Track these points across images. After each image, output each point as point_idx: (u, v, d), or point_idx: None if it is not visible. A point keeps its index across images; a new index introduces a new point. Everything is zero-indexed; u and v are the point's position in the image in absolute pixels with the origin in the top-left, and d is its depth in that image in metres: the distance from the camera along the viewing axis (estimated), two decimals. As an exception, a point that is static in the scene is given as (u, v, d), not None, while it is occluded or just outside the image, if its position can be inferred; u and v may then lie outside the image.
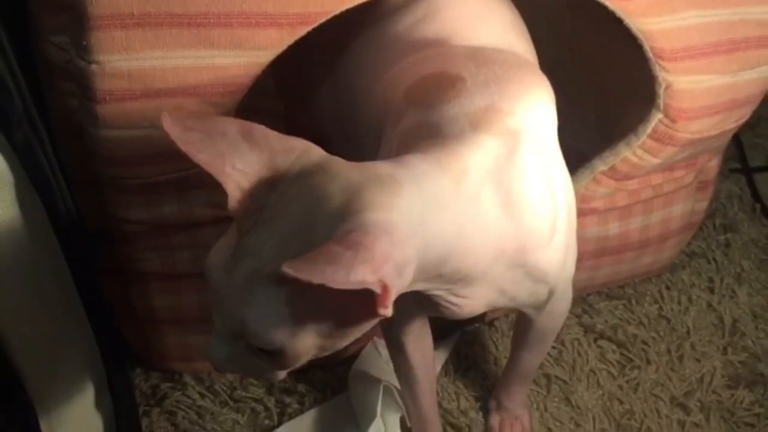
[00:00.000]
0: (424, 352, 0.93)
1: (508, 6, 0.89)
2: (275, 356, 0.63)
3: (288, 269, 0.53)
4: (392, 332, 0.90)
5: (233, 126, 0.63)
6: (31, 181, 0.72)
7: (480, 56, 0.77)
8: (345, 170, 0.63)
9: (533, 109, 0.73)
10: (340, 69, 0.91)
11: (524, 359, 0.97)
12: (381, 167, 0.64)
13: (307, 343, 0.62)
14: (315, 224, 0.60)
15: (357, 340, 1.11)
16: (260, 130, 0.63)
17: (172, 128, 0.61)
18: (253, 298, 0.60)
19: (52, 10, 0.78)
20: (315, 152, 0.64)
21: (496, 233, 0.68)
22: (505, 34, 0.84)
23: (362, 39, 0.89)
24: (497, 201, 0.67)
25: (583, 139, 1.02)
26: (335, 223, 0.59)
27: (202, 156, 0.61)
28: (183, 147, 0.61)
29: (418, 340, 0.91)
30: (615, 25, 0.89)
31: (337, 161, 0.64)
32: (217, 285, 0.63)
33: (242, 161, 0.62)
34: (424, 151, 0.67)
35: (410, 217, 0.61)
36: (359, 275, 0.55)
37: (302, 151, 0.64)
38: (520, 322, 0.93)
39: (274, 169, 0.63)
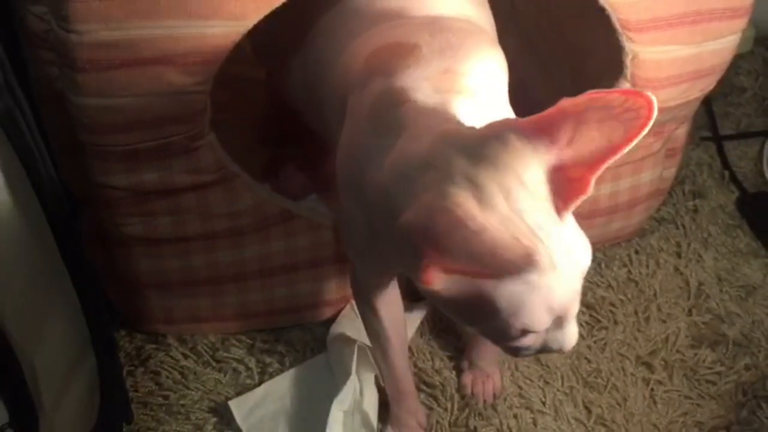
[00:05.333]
0: (394, 313, 0.96)
1: None
2: None
3: None
4: (364, 295, 0.93)
5: None
6: (14, 149, 0.75)
7: (435, 25, 0.81)
8: None
9: (486, 71, 0.76)
10: (308, 46, 0.94)
11: None
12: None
13: None
14: None
15: (335, 302, 1.15)
16: None
17: None
18: None
19: (31, -20, 0.80)
20: None
21: None
22: (461, 4, 0.88)
23: (328, 15, 0.91)
24: None
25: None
26: None
27: None
28: None
29: (389, 301, 0.94)
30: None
31: None
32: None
33: None
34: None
35: None
36: None
37: None
38: None
39: None
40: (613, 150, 0.60)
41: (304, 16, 0.93)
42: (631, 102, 0.59)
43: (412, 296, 1.13)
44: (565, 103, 0.59)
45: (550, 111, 0.59)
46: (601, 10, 0.92)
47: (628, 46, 0.94)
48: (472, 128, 0.66)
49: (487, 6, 0.92)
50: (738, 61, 1.53)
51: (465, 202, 0.59)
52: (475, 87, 0.74)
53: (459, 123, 0.69)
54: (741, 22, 0.98)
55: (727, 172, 1.38)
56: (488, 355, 1.07)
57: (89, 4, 0.77)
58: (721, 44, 0.99)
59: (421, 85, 0.73)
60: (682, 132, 1.16)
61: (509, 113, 0.77)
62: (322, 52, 0.91)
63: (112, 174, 0.91)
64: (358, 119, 0.76)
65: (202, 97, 0.87)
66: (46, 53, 0.83)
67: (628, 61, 0.96)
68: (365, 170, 0.73)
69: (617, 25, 0.93)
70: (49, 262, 0.84)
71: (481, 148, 0.61)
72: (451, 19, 0.84)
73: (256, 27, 0.83)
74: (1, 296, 0.74)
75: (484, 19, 0.90)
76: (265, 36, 0.91)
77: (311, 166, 1.18)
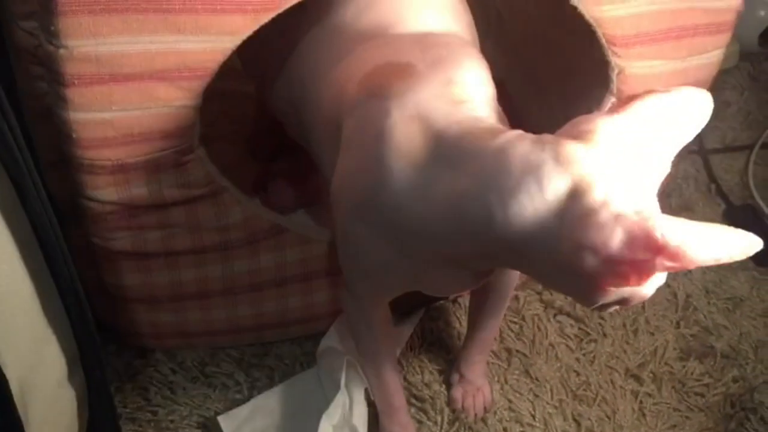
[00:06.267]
0: (387, 328, 0.97)
1: None
2: None
3: None
4: (361, 311, 0.93)
5: None
6: (2, 164, 0.75)
7: (424, 42, 0.82)
8: None
9: (477, 82, 0.78)
10: (293, 63, 0.94)
11: (486, 325, 1.02)
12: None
13: None
14: None
15: (325, 316, 1.15)
16: None
17: None
18: None
19: (21, -4, 0.80)
20: None
21: None
22: (442, 19, 0.89)
23: (311, 34, 0.92)
24: None
25: (547, 124, 1.06)
26: None
27: None
28: None
29: (383, 316, 0.95)
30: (573, 11, 0.92)
31: None
32: None
33: None
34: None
35: None
36: None
37: None
38: (479, 289, 0.98)
39: None
40: None
41: (288, 33, 0.94)
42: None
43: (402, 310, 1.14)
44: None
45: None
46: (588, 26, 0.93)
47: (614, 61, 0.95)
48: (558, 136, 0.67)
49: (467, 18, 0.94)
50: (723, 76, 1.54)
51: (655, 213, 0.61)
52: (474, 94, 0.76)
53: (522, 133, 0.69)
54: (724, 37, 0.99)
55: (713, 185, 1.40)
56: (478, 367, 1.08)
57: (79, 19, 0.77)
58: (706, 59, 1.00)
59: (437, 105, 0.73)
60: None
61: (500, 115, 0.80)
62: (307, 71, 0.92)
63: (101, 189, 0.91)
64: (367, 146, 0.75)
65: (192, 111, 0.87)
66: (36, 68, 0.83)
67: (614, 75, 0.97)
68: (395, 197, 0.72)
69: (603, 41, 0.94)
70: (37, 277, 0.83)
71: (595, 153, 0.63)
72: (436, 34, 0.85)
73: (245, 42, 0.84)
74: (-11, 312, 0.74)
75: (465, 30, 0.91)
76: (253, 51, 0.91)
77: (301, 180, 1.18)
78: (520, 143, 0.67)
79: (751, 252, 0.61)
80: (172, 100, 0.85)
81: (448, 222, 0.70)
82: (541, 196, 0.63)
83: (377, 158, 0.73)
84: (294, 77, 0.94)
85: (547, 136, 0.67)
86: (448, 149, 0.70)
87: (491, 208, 0.66)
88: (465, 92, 0.75)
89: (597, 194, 0.62)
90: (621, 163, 0.63)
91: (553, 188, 0.63)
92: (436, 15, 0.89)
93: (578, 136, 0.65)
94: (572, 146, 0.64)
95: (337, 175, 0.81)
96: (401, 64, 0.77)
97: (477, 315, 1.03)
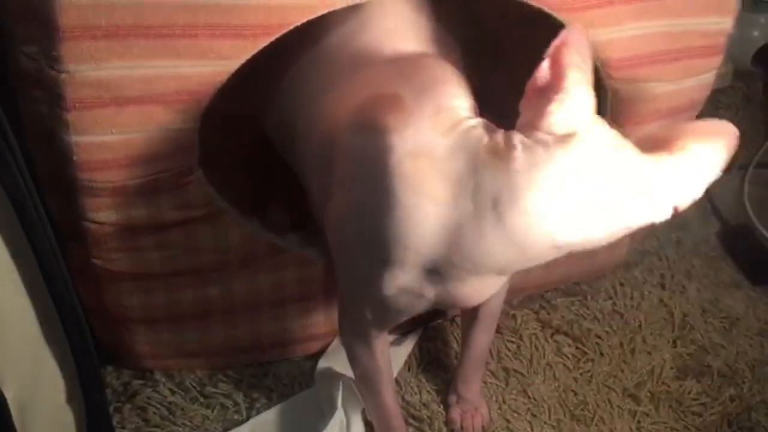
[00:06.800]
0: (386, 349, 0.97)
1: (412, 6, 0.96)
2: None
3: None
4: (363, 335, 0.92)
5: None
6: (3, 187, 0.75)
7: (404, 69, 0.84)
8: None
9: (459, 100, 0.80)
10: (283, 91, 0.96)
11: (479, 341, 1.04)
12: None
13: None
14: None
15: (323, 336, 1.15)
16: None
17: None
18: None
19: (24, 21, 0.81)
20: None
21: None
22: (417, 37, 0.92)
23: (302, 60, 0.94)
24: None
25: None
26: None
27: None
28: None
29: (384, 341, 0.95)
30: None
31: None
32: None
33: None
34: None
35: None
36: None
37: None
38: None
39: None
40: None
41: (279, 60, 0.95)
42: None
43: (400, 330, 1.14)
44: None
45: None
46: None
47: (609, 83, 0.96)
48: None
49: (438, 34, 0.96)
50: (717, 96, 1.56)
51: None
52: (461, 112, 0.77)
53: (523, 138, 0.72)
54: (716, 60, 1.01)
55: (709, 205, 1.41)
56: (474, 386, 1.08)
57: (80, 44, 0.78)
58: (698, 81, 1.02)
59: (431, 137, 0.74)
60: (663, 166, 1.18)
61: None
62: (296, 99, 0.93)
63: (101, 210, 0.91)
64: (371, 183, 0.76)
65: (191, 133, 0.88)
66: (37, 92, 0.84)
67: (608, 96, 0.98)
68: (423, 232, 0.73)
69: (598, 63, 0.95)
70: (37, 298, 0.84)
71: None
72: (413, 57, 0.87)
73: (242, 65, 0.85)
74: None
75: (441, 48, 0.94)
76: (248, 74, 0.93)
77: (298, 202, 1.19)
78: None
79: None
80: (171, 123, 0.86)
81: (506, 245, 0.71)
82: None
83: (390, 195, 0.74)
84: (285, 103, 0.96)
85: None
86: (466, 179, 0.71)
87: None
88: (454, 115, 0.76)
89: None
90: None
91: None
92: (411, 37, 0.92)
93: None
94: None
95: (336, 212, 0.82)
96: (388, 97, 0.78)
97: (469, 332, 1.04)
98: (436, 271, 0.76)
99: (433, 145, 0.74)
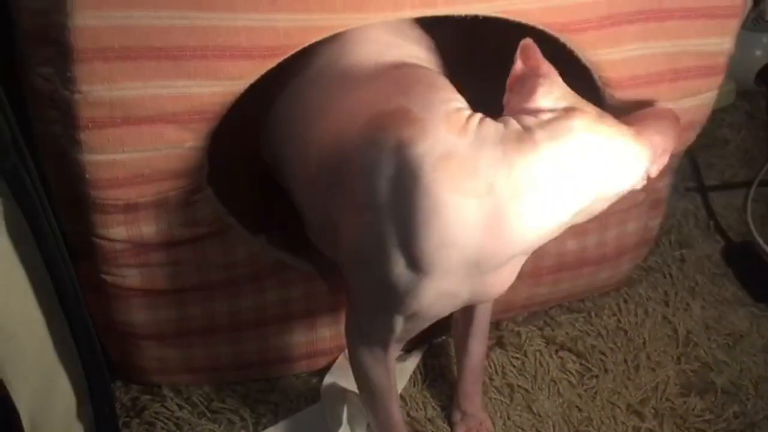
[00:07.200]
0: (393, 364, 0.98)
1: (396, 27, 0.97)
2: None
3: None
4: (376, 350, 0.92)
5: None
6: (18, 205, 0.77)
7: (400, 81, 0.86)
8: None
9: (458, 101, 0.83)
10: (277, 110, 0.97)
11: (477, 350, 1.06)
12: None
13: None
14: None
15: (329, 352, 1.16)
16: None
17: None
18: None
19: (39, 44, 0.83)
20: None
21: None
22: (408, 47, 0.94)
23: (295, 80, 0.95)
24: None
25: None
26: None
27: None
28: None
29: (395, 354, 0.96)
30: (570, 55, 0.95)
31: None
32: None
33: None
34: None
35: None
36: None
37: None
38: (461, 316, 1.04)
39: None
40: None
41: (276, 79, 0.96)
42: None
43: (405, 346, 1.15)
44: None
45: None
46: (584, 68, 0.96)
47: (610, 103, 0.98)
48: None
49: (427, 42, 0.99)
50: (721, 114, 1.58)
51: None
52: (465, 110, 0.81)
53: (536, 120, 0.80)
54: (716, 80, 1.02)
55: (712, 222, 1.42)
56: (476, 399, 1.09)
57: (93, 66, 0.80)
58: (699, 100, 1.03)
59: (450, 138, 0.77)
60: (664, 184, 1.19)
61: None
62: (287, 128, 0.95)
63: (112, 227, 0.93)
64: (405, 198, 0.77)
65: (200, 152, 0.90)
66: (51, 112, 0.86)
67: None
68: (473, 231, 0.77)
69: (599, 83, 0.97)
70: (49, 313, 0.86)
71: None
72: (404, 69, 0.89)
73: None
74: (3, 348, 0.76)
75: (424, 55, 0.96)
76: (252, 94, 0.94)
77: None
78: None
79: None
80: (181, 142, 0.88)
81: (542, 218, 0.78)
82: None
83: (432, 202, 0.76)
84: (273, 132, 0.98)
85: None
86: (497, 167, 0.76)
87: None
88: (462, 116, 0.80)
89: None
90: None
91: None
92: (403, 46, 0.94)
93: None
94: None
95: (356, 232, 0.82)
96: (396, 112, 0.80)
97: (466, 343, 1.06)
98: (475, 265, 0.79)
99: (454, 145, 0.77)
